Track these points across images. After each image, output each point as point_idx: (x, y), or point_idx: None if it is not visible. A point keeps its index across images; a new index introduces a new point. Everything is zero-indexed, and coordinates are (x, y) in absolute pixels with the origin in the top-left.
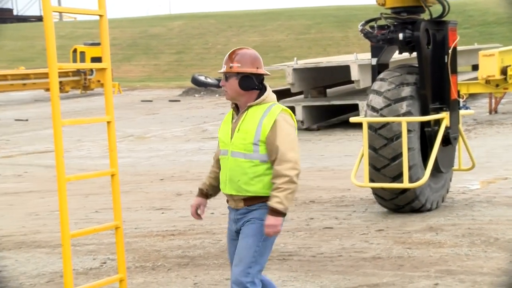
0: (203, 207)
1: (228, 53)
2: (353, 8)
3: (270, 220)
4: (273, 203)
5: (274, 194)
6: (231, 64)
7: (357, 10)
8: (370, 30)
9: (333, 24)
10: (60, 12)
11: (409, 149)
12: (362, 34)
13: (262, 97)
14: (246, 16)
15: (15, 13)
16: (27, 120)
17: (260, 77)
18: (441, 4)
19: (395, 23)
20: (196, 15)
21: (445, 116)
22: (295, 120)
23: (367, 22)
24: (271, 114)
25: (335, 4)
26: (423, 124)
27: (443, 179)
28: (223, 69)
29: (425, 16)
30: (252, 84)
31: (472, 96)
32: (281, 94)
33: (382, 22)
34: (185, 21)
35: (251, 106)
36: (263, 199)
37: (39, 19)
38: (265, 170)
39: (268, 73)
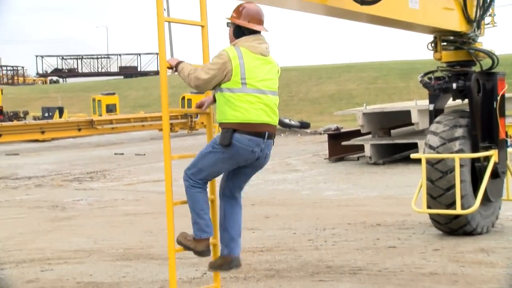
0: (207, 104)
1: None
2: (414, 62)
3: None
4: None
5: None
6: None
7: (417, 64)
8: (428, 80)
9: (397, 76)
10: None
11: (461, 181)
12: (422, 84)
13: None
14: (324, 69)
15: (139, 69)
16: (144, 154)
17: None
18: (490, 58)
19: (450, 75)
20: (282, 68)
21: (493, 153)
22: (230, 54)
23: (426, 74)
24: None
25: (399, 59)
26: (474, 160)
27: (493, 207)
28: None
29: (476, 68)
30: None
31: None
32: (353, 134)
33: (438, 74)
34: None
35: None
36: None
37: (156, 73)
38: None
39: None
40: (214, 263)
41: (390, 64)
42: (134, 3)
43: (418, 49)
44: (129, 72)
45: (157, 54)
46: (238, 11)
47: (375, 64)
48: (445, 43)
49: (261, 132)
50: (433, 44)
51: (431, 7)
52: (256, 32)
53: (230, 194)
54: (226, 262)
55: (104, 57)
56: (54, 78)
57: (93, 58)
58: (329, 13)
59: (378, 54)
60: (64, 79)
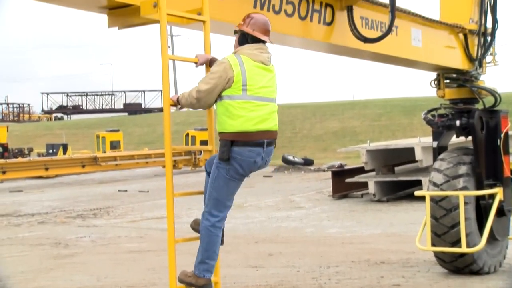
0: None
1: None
2: (418, 100)
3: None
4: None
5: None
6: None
7: (421, 101)
8: (431, 118)
9: (401, 113)
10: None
11: (466, 218)
12: (425, 122)
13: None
14: (328, 106)
15: (143, 106)
16: (148, 191)
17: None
18: (493, 95)
19: (453, 112)
20: (287, 105)
21: (498, 191)
22: (231, 61)
23: (429, 111)
24: None
25: (402, 96)
26: (479, 198)
27: (500, 246)
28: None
29: (479, 106)
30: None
31: None
32: (357, 171)
33: (442, 111)
34: (278, 110)
35: None
36: None
37: (161, 110)
38: None
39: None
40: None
41: (394, 101)
42: (139, 40)
43: (422, 86)
44: (133, 109)
45: (161, 91)
46: (246, 19)
47: (379, 101)
48: (448, 81)
49: (260, 142)
50: (436, 82)
51: (434, 45)
52: (260, 41)
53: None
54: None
55: (109, 94)
56: (59, 115)
57: (97, 95)
58: (332, 51)
59: (381, 91)
60: (69, 116)
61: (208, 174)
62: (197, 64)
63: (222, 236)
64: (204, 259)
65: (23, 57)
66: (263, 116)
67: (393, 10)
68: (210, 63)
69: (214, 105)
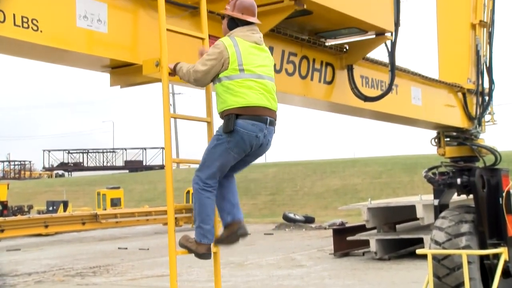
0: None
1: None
2: (418, 157)
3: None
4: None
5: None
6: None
7: (421, 159)
8: (432, 176)
9: (402, 170)
10: (178, 163)
11: (470, 279)
12: (426, 179)
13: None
14: (329, 163)
15: (144, 163)
16: (148, 249)
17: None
18: (493, 154)
19: (454, 170)
20: (288, 163)
21: (503, 251)
22: (225, 43)
23: (430, 169)
24: None
25: (403, 154)
26: (483, 257)
27: None
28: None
29: (479, 164)
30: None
31: None
32: (358, 229)
33: (442, 169)
34: (278, 168)
35: None
36: None
37: (162, 167)
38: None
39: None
40: (221, 236)
41: (395, 159)
42: (141, 98)
43: (422, 144)
44: (134, 166)
45: (162, 148)
46: (232, 3)
47: (380, 158)
48: (448, 139)
49: (263, 117)
50: (436, 140)
51: (434, 104)
52: (250, 23)
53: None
54: (233, 230)
55: (110, 151)
56: (60, 172)
57: (98, 152)
58: (333, 109)
59: (382, 149)
60: (70, 173)
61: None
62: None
63: (244, 228)
64: (199, 223)
65: (26, 115)
66: (263, 93)
67: (393, 69)
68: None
69: (212, 85)
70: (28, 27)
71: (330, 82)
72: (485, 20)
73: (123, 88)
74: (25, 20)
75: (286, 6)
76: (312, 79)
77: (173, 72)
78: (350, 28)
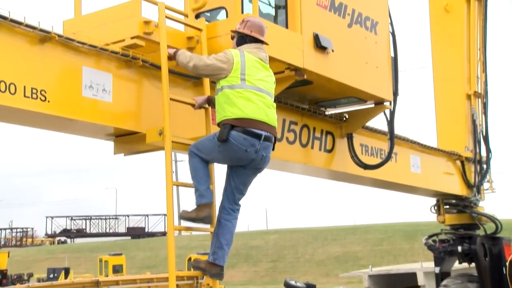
0: (201, 101)
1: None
2: (419, 224)
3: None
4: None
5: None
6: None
7: (422, 226)
8: (433, 243)
9: (402, 237)
10: (179, 230)
11: None
12: (426, 247)
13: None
14: (329, 230)
15: (146, 230)
16: None
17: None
18: (493, 222)
19: (454, 238)
20: (289, 230)
21: None
22: (233, 52)
23: (430, 236)
24: None
25: (403, 221)
26: None
27: None
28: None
29: (480, 232)
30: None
31: None
32: None
33: (442, 236)
34: (280, 235)
35: None
36: None
37: (164, 234)
38: None
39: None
40: (197, 263)
41: (395, 226)
42: (144, 165)
43: (422, 211)
44: (136, 232)
45: (164, 215)
46: (243, 22)
47: (380, 226)
48: (447, 206)
49: (257, 132)
50: (436, 207)
51: (432, 172)
52: (258, 41)
53: (229, 204)
54: (209, 269)
55: (112, 218)
56: (62, 238)
57: (101, 219)
58: (333, 177)
59: (382, 216)
60: (72, 239)
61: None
62: (195, 106)
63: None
64: (196, 186)
65: (29, 182)
66: (262, 107)
67: (392, 137)
68: (208, 102)
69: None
70: (36, 98)
71: (330, 150)
72: (479, 91)
73: (126, 156)
74: (34, 91)
75: (287, 76)
76: (312, 147)
77: (172, 57)
78: (349, 98)
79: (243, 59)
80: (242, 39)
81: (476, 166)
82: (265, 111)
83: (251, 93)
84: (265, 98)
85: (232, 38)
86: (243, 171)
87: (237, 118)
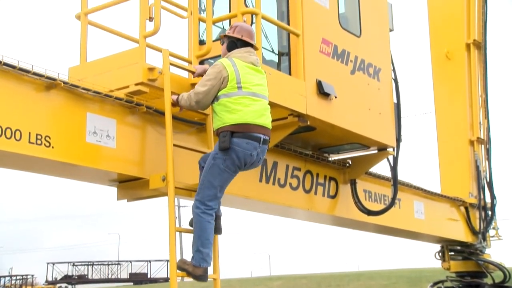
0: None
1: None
2: (423, 271)
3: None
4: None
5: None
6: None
7: (426, 272)
8: None
9: (406, 284)
10: (182, 276)
11: None
12: None
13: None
14: (333, 277)
15: (148, 276)
16: None
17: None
18: (501, 271)
19: (460, 286)
20: (292, 276)
21: None
22: (224, 63)
23: (435, 283)
24: None
25: (407, 267)
26: None
27: None
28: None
29: (488, 280)
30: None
31: None
32: None
33: (448, 283)
34: (283, 281)
35: None
36: None
37: (166, 280)
38: None
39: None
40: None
41: (399, 272)
42: (147, 212)
43: (427, 257)
44: (139, 278)
45: (167, 261)
46: (233, 28)
47: (384, 272)
48: (452, 253)
49: (257, 136)
50: (440, 254)
51: (436, 218)
52: (248, 45)
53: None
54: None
55: (115, 264)
56: (63, 285)
57: (103, 265)
58: (337, 223)
59: (386, 262)
60: (74, 286)
61: (202, 168)
62: (194, 74)
63: (220, 225)
64: (198, 246)
65: (30, 228)
66: (259, 111)
67: (396, 183)
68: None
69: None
70: (41, 144)
71: (333, 196)
72: (482, 137)
73: (130, 202)
74: (39, 137)
75: (290, 122)
76: (316, 193)
77: (175, 103)
78: (352, 144)
79: (235, 68)
80: (233, 43)
81: (481, 213)
82: (263, 115)
83: (248, 99)
84: (262, 102)
85: (222, 43)
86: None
87: (235, 124)
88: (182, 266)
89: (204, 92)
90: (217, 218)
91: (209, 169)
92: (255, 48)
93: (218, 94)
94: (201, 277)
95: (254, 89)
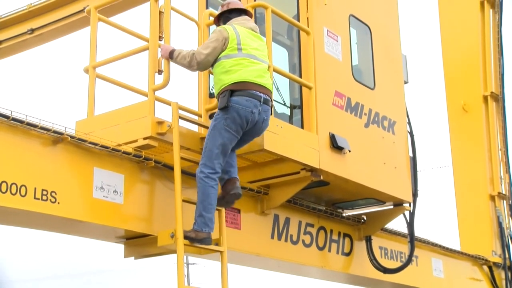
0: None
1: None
2: None
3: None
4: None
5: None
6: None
7: None
8: None
9: None
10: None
11: None
12: None
13: None
14: None
15: None
16: None
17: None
18: None
19: None
20: None
21: None
22: (225, 26)
23: None
24: None
25: None
26: None
27: None
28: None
29: None
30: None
31: None
32: None
33: None
34: None
35: None
36: None
37: None
38: None
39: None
40: (222, 195)
41: None
42: (154, 268)
43: None
44: None
45: None
46: (223, 6)
47: None
48: None
49: (257, 94)
50: None
51: (457, 277)
52: (242, 13)
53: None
54: (228, 189)
55: None
56: None
57: None
58: (351, 282)
59: None
60: None
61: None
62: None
63: (236, 189)
64: (201, 211)
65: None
66: (259, 71)
67: (412, 240)
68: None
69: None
70: (46, 200)
71: (348, 254)
72: (503, 192)
73: (137, 259)
74: (44, 193)
75: (303, 177)
76: (329, 250)
77: (168, 58)
78: (367, 199)
79: (236, 31)
80: (227, 18)
81: (506, 273)
82: (262, 76)
83: (247, 61)
84: (261, 65)
85: (217, 25)
86: (243, 138)
87: (235, 82)
88: (185, 234)
89: (206, 54)
90: (231, 181)
91: (211, 131)
92: (250, 16)
93: (219, 56)
94: (205, 239)
95: (253, 52)
